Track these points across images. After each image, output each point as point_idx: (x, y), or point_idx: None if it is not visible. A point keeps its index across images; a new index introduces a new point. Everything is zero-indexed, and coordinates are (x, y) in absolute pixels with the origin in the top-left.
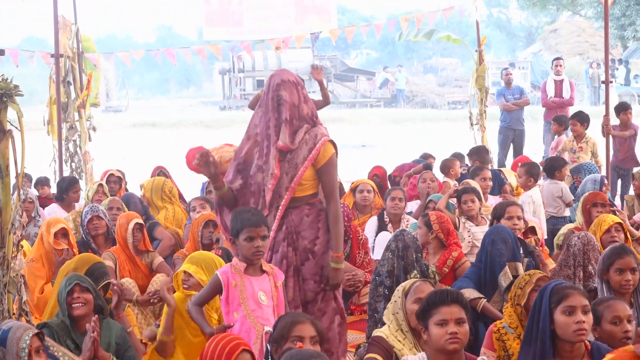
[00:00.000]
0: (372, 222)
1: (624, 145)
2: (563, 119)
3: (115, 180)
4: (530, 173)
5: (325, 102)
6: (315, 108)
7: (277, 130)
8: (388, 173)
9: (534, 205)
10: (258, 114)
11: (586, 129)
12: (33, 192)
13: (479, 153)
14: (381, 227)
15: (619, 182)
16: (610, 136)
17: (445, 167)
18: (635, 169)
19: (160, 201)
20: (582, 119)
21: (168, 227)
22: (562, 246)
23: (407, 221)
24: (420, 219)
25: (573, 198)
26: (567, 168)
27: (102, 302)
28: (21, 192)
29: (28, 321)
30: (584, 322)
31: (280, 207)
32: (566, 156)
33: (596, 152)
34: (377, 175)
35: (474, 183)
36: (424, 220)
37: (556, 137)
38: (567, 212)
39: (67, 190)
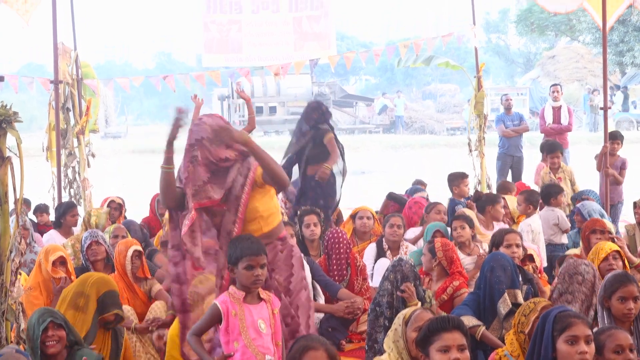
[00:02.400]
0: (371, 249)
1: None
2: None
3: (115, 207)
4: (529, 200)
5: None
6: (243, 144)
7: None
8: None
9: (533, 234)
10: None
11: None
12: (29, 218)
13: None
14: (380, 253)
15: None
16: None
17: (505, 189)
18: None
19: None
20: (550, 150)
21: None
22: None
23: (406, 248)
24: (426, 246)
25: (570, 225)
26: (563, 195)
27: (75, 336)
28: (20, 218)
29: (26, 349)
30: (586, 352)
31: None
32: None
33: (574, 179)
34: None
35: (469, 212)
36: (429, 246)
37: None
38: (564, 239)
39: (64, 214)
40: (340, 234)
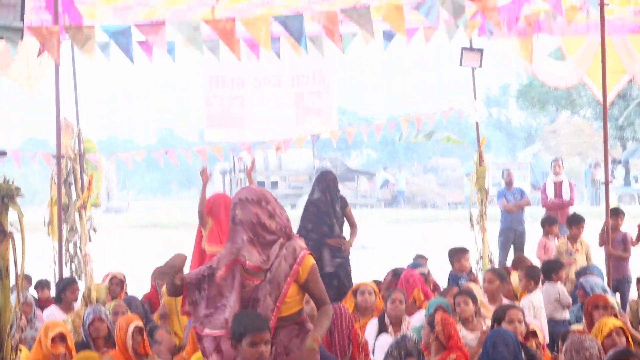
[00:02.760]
0: (372, 324)
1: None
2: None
3: (117, 283)
4: (530, 276)
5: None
6: (289, 221)
7: (230, 258)
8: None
9: (534, 309)
10: None
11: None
12: (31, 294)
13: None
14: (382, 329)
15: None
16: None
17: (521, 262)
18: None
19: None
20: (574, 221)
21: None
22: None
23: (408, 323)
24: (426, 319)
25: (571, 301)
26: (564, 270)
27: None
28: (20, 294)
29: None
30: None
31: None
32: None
33: (589, 255)
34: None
35: (474, 287)
36: (429, 320)
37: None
38: (566, 315)
39: (64, 290)
40: (342, 310)
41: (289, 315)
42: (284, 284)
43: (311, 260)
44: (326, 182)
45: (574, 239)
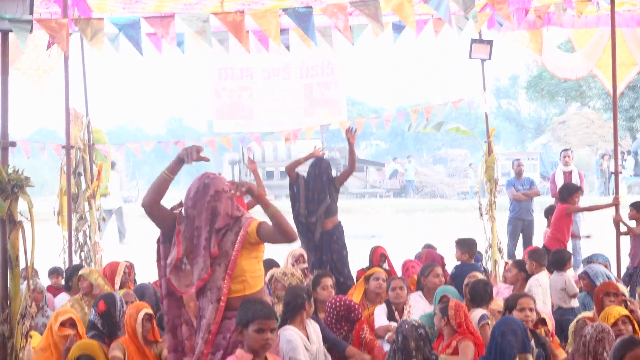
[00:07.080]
0: (381, 309)
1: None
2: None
3: (127, 272)
4: (533, 258)
5: (350, 169)
6: (243, 204)
7: (207, 241)
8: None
9: (542, 289)
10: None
11: None
12: (42, 282)
13: (468, 245)
14: (390, 314)
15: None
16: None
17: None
18: None
19: None
20: None
21: None
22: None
23: (410, 307)
24: (438, 305)
25: (578, 290)
26: (572, 260)
27: None
28: (30, 282)
29: None
30: None
31: (221, 299)
32: None
33: None
34: (383, 254)
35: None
36: (441, 307)
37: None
38: (574, 303)
39: (72, 276)
40: (347, 301)
41: (251, 295)
42: (232, 251)
43: (257, 222)
44: (319, 168)
45: None
